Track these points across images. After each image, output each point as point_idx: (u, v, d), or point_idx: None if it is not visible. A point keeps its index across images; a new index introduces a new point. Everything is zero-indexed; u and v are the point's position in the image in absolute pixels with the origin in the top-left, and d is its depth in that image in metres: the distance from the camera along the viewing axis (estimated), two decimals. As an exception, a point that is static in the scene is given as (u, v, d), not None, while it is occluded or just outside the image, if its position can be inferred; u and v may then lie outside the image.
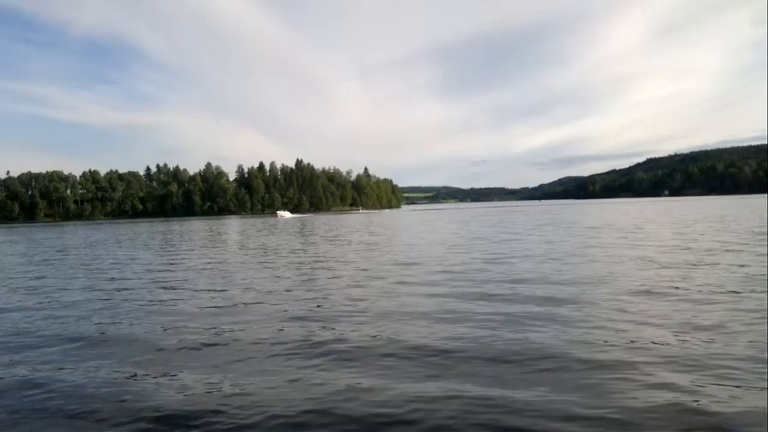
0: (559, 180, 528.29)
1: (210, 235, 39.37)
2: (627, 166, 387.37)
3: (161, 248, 26.72)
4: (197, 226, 65.08)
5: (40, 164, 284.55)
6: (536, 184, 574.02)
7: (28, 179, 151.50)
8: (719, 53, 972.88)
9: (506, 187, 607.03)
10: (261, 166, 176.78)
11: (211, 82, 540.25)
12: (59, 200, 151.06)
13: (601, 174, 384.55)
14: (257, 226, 55.05)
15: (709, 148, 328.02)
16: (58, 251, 27.22)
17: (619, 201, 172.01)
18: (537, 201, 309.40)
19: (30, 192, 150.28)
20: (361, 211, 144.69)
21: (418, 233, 32.53)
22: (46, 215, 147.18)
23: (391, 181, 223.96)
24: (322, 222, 63.60)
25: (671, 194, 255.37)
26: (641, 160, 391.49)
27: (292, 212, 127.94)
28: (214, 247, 26.22)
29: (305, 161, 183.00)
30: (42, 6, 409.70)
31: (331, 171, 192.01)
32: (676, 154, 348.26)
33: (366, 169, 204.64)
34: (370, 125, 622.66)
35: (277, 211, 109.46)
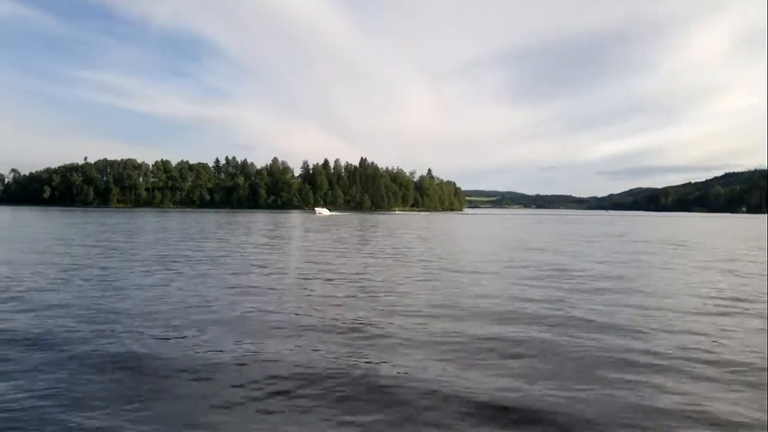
0: (630, 190, 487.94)
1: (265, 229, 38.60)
2: (703, 180, 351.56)
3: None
4: (259, 217, 67.63)
5: (116, 152, 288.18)
6: (605, 194, 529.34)
7: (104, 166, 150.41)
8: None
9: (573, 195, 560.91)
10: (326, 163, 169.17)
11: (279, 79, 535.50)
12: (132, 187, 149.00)
13: (676, 186, 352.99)
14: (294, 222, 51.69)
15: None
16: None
17: (695, 215, 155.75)
18: (604, 211, 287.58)
19: (105, 178, 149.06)
20: (397, 212, 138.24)
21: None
22: (118, 201, 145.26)
23: (454, 183, 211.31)
24: (351, 222, 58.37)
25: (749, 211, 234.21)
26: (719, 173, 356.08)
27: (353, 210, 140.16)
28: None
29: (369, 160, 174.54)
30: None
31: (395, 171, 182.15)
32: (756, 170, 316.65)
33: (429, 170, 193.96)
34: (436, 127, 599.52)
35: (316, 208, 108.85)
